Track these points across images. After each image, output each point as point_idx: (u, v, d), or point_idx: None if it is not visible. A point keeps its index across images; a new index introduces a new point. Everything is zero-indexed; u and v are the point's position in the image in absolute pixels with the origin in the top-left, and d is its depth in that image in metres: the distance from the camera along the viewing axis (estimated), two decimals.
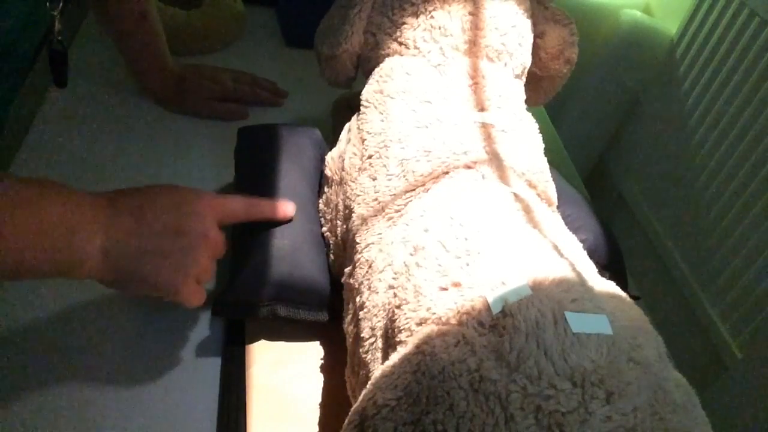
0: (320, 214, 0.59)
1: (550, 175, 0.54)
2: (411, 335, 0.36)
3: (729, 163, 1.04)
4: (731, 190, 1.03)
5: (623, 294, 0.39)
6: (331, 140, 0.63)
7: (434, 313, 0.35)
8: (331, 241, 0.56)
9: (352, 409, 0.34)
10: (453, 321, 0.34)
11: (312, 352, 0.54)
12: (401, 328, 0.37)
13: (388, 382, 0.33)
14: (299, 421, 0.48)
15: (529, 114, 0.57)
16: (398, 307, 0.38)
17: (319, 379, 0.52)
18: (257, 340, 0.53)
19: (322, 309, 0.53)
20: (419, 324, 0.36)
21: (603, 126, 1.38)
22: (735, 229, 1.01)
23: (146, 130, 0.73)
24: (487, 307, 0.33)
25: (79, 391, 0.48)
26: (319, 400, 0.50)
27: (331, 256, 0.56)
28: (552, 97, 0.69)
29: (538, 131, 0.56)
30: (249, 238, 0.54)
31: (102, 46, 0.80)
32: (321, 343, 0.54)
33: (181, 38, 0.82)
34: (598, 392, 0.31)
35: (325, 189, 0.59)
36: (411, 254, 0.40)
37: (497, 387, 0.30)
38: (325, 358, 0.53)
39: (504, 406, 0.30)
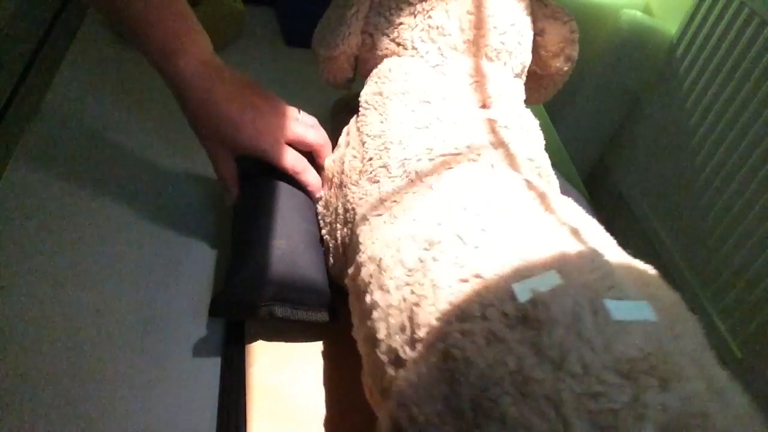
0: (319, 217, 0.59)
1: (552, 170, 0.54)
2: (431, 330, 0.34)
3: (729, 163, 1.04)
4: (731, 190, 1.02)
5: (657, 276, 0.37)
6: (331, 141, 0.63)
7: (455, 306, 0.33)
8: (330, 245, 0.55)
9: (383, 427, 0.31)
10: (476, 314, 0.31)
11: (312, 353, 0.54)
12: (421, 324, 0.35)
13: (423, 395, 0.30)
14: (299, 421, 0.48)
15: (529, 111, 0.57)
16: (416, 304, 0.36)
17: (318, 380, 0.52)
18: (257, 341, 0.53)
19: (321, 309, 0.53)
20: (439, 319, 0.34)
21: (603, 126, 1.38)
22: (735, 229, 1.01)
23: (146, 130, 0.73)
24: (513, 297, 0.31)
25: (78, 391, 0.48)
26: (319, 400, 0.50)
27: (331, 260, 0.55)
28: (553, 95, 0.69)
29: (539, 129, 0.56)
30: (246, 238, 0.54)
31: (102, 45, 0.80)
32: (320, 344, 0.54)
33: None
34: (651, 381, 0.28)
35: (325, 191, 0.59)
36: (426, 249, 0.39)
37: (545, 387, 0.28)
38: (325, 358, 0.53)
39: (557, 409, 0.27)
